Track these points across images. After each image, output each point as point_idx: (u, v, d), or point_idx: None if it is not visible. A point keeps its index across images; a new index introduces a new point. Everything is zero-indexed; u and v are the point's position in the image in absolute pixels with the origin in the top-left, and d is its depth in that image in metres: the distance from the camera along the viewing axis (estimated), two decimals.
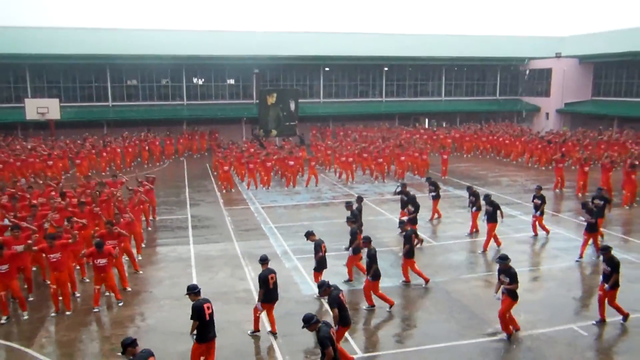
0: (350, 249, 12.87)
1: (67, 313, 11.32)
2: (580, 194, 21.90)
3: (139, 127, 38.14)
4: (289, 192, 23.85)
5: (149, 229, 17.60)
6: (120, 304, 11.73)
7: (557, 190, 22.81)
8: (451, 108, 45.27)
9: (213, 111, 40.29)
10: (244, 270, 13.84)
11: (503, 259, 9.75)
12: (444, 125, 43.43)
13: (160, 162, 33.27)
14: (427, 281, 12.46)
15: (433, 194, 18.21)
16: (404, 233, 12.60)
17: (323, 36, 46.75)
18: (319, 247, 11.77)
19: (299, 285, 12.71)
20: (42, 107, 33.82)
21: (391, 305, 11.11)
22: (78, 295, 12.26)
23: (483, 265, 14.11)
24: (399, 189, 17.21)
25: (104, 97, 39.39)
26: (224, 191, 23.80)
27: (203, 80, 41.80)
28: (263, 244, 15.96)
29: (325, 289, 8.78)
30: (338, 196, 23.04)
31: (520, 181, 25.47)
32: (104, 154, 29.47)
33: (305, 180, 25.27)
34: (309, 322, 7.57)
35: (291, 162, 24.94)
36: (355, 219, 13.32)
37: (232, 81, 42.19)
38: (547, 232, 16.28)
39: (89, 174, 23.97)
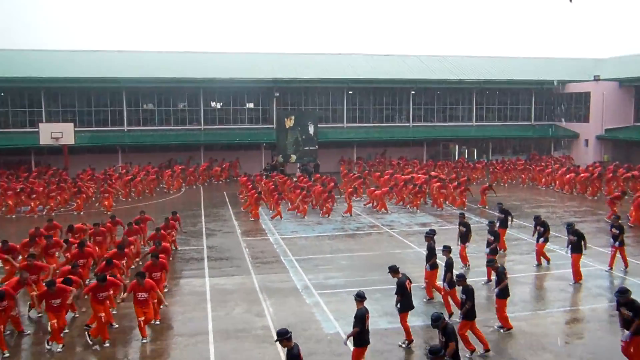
0: (428, 265, 13.56)
1: (58, 350, 11.16)
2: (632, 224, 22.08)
3: (155, 153, 38.76)
4: (311, 223, 23.91)
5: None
6: (144, 341, 11.55)
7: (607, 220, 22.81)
8: (482, 134, 45.18)
9: (231, 136, 40.83)
10: (262, 305, 13.73)
11: (623, 293, 9.54)
12: (477, 154, 43.68)
13: (178, 189, 34.00)
14: (510, 328, 11.74)
15: (498, 222, 18.02)
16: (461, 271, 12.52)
17: (346, 58, 47.19)
18: (403, 287, 11.09)
19: (321, 323, 12.50)
20: (57, 132, 34.57)
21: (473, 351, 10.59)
22: (116, 325, 12.34)
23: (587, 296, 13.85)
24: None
25: (120, 121, 40.25)
26: (252, 219, 24.28)
27: (221, 104, 42.50)
28: (282, 278, 15.90)
29: (442, 320, 8.70)
30: (362, 227, 22.98)
31: (560, 212, 25.36)
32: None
33: (324, 209, 25.51)
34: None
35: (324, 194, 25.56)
36: (432, 234, 14.22)
37: (251, 105, 42.81)
38: (626, 265, 15.96)
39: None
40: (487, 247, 15.44)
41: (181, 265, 17.33)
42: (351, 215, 25.19)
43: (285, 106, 42.76)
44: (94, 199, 29.04)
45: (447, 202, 27.40)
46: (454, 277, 11.93)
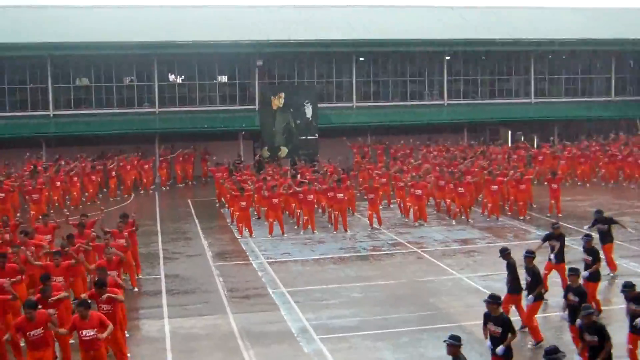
0: (531, 296, 14.04)
1: None
2: None
3: (91, 146, 38.86)
4: (309, 241, 24.00)
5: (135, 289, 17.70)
6: None
7: None
8: (545, 114, 45.28)
9: (197, 121, 40.81)
10: (242, 356, 13.75)
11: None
12: (536, 140, 43.73)
13: (126, 195, 34.35)
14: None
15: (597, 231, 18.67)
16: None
17: (355, 11, 47.07)
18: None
19: None
20: None
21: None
22: None
23: None
24: (588, 227, 19.05)
25: (43, 103, 40.15)
26: (240, 237, 24.44)
27: (183, 77, 42.24)
28: (271, 318, 15.99)
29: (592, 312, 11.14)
30: (380, 245, 23.09)
31: None
32: (57, 183, 30.28)
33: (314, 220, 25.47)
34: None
35: (340, 195, 25.08)
36: (532, 255, 14.65)
37: (224, 78, 42.68)
38: None
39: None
40: (585, 269, 15.47)
41: (130, 301, 17.27)
42: (372, 227, 25.41)
43: (272, 80, 42.54)
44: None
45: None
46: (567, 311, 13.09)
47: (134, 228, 19.16)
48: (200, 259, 21.87)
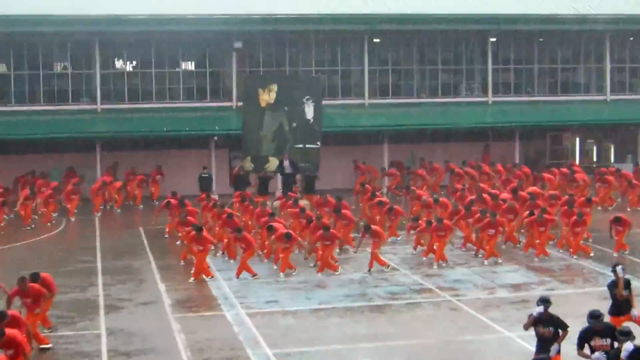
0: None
1: None
2: None
3: (9, 155, 39.20)
4: (302, 286, 23.94)
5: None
6: None
7: None
8: (624, 116, 45.20)
9: (153, 123, 41.01)
10: None
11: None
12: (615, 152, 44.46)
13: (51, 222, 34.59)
14: None
15: None
16: None
17: None
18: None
19: None
20: None
21: None
22: None
23: None
24: None
25: None
26: (192, 280, 24.57)
27: (134, 64, 42.71)
28: None
29: None
30: (401, 292, 22.96)
31: None
32: None
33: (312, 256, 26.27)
34: None
35: (327, 243, 25.59)
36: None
37: (190, 65, 43.22)
38: None
39: None
40: None
41: None
42: (386, 267, 25.63)
43: (256, 67, 42.81)
44: None
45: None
46: None
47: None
48: (155, 308, 21.70)
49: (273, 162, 37.60)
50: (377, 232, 25.90)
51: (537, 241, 26.97)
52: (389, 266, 25.57)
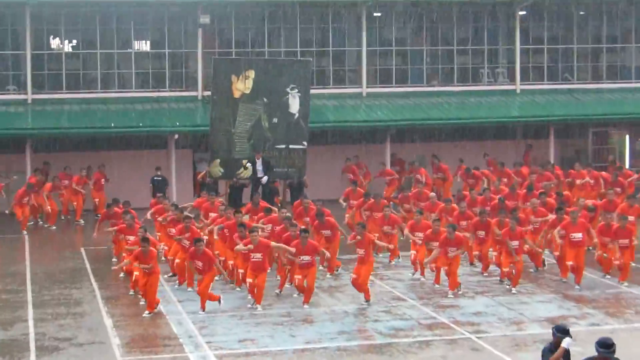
0: None
1: None
2: None
3: None
4: (288, 320, 23.80)
5: None
6: None
7: None
8: None
9: (97, 117, 40.95)
10: None
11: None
12: None
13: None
14: None
15: None
16: None
17: None
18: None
19: None
20: None
21: None
22: None
23: None
24: None
25: None
26: (149, 313, 24.36)
27: (73, 43, 42.55)
28: None
29: None
30: (408, 329, 22.78)
31: None
32: None
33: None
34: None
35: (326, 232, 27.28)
36: None
37: (145, 45, 43.19)
38: None
39: None
40: None
41: None
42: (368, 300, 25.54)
43: (227, 48, 42.88)
44: None
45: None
46: None
47: None
48: (100, 350, 21.33)
49: (245, 170, 37.57)
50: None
51: (570, 263, 26.88)
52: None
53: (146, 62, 43.15)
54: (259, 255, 24.42)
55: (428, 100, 44.26)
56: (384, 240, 28.21)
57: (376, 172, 41.77)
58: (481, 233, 27.99)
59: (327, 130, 41.85)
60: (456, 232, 26.28)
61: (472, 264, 29.52)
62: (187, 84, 43.09)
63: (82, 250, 33.30)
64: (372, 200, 31.91)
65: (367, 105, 43.67)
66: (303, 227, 26.53)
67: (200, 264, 24.28)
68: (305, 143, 38.12)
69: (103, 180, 39.66)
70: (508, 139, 44.52)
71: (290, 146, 37.84)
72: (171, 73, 43.07)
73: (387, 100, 43.95)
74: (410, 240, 28.17)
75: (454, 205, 31.40)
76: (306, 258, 24.89)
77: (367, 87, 44.15)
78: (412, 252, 28.12)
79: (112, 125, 40.58)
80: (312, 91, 40.04)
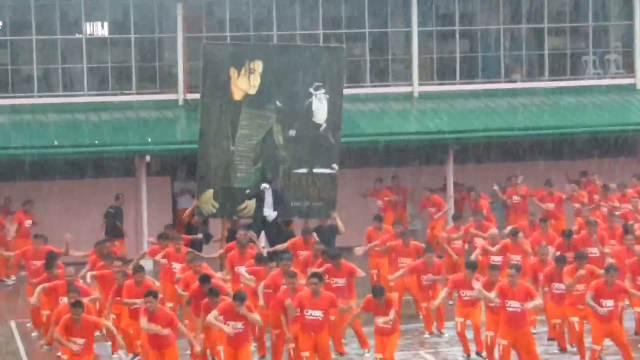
0: None
1: None
2: None
3: None
4: None
5: None
6: None
7: None
8: None
9: (38, 132, 37.38)
10: None
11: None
12: None
13: None
14: None
15: None
16: None
17: None
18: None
19: None
20: None
21: None
22: None
23: None
24: None
25: None
26: None
27: (6, 33, 39.24)
28: None
29: None
30: None
31: None
32: None
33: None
34: None
35: (339, 280, 26.02)
36: None
37: (100, 28, 39.90)
38: None
39: None
40: None
41: None
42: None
43: (219, 32, 38.94)
44: None
45: None
46: None
47: None
48: None
49: (250, 204, 33.10)
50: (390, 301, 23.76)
51: None
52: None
53: (103, 52, 39.03)
54: (239, 324, 22.44)
55: (508, 102, 40.14)
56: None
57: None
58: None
59: (364, 146, 37.26)
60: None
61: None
62: (162, 84, 39.17)
63: (12, 324, 29.64)
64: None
65: (419, 110, 39.64)
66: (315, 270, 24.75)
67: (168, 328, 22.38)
68: (335, 166, 33.17)
69: (28, 222, 36.44)
70: (623, 155, 39.98)
71: (315, 170, 33.09)
72: (139, 67, 38.92)
73: (447, 103, 39.99)
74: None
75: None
76: (317, 313, 23.68)
77: (419, 85, 39.83)
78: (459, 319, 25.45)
79: (55, 143, 35.92)
80: (345, 91, 35.04)
